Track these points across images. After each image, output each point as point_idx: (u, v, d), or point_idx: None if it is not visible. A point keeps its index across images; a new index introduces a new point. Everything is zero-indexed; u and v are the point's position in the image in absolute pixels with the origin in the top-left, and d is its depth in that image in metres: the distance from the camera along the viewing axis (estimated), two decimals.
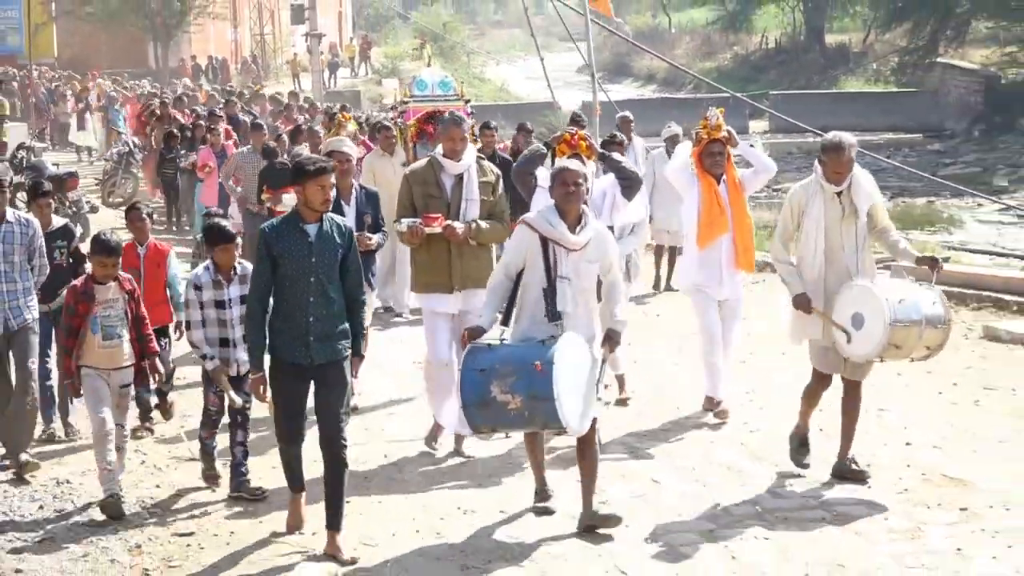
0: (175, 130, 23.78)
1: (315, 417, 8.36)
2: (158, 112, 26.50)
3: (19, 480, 9.84)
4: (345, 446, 8.34)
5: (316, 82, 45.38)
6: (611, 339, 8.67)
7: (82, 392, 9.42)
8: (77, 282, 9.45)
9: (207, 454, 9.86)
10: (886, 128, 45.71)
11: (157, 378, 10.15)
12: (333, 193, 8.38)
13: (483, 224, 10.02)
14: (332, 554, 8.28)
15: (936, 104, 47.72)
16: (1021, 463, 9.74)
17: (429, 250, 9.97)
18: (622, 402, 11.75)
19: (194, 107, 28.60)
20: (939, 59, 51.62)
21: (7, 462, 10.16)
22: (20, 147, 24.21)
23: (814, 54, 63.66)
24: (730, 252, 11.16)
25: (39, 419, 10.65)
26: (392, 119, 17.87)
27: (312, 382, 8.34)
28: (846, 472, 9.52)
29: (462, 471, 10.16)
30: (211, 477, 9.81)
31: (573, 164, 8.81)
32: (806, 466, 9.73)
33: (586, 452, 8.65)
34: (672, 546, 8.43)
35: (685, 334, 12.82)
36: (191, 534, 8.83)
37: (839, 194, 9.26)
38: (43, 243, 10.28)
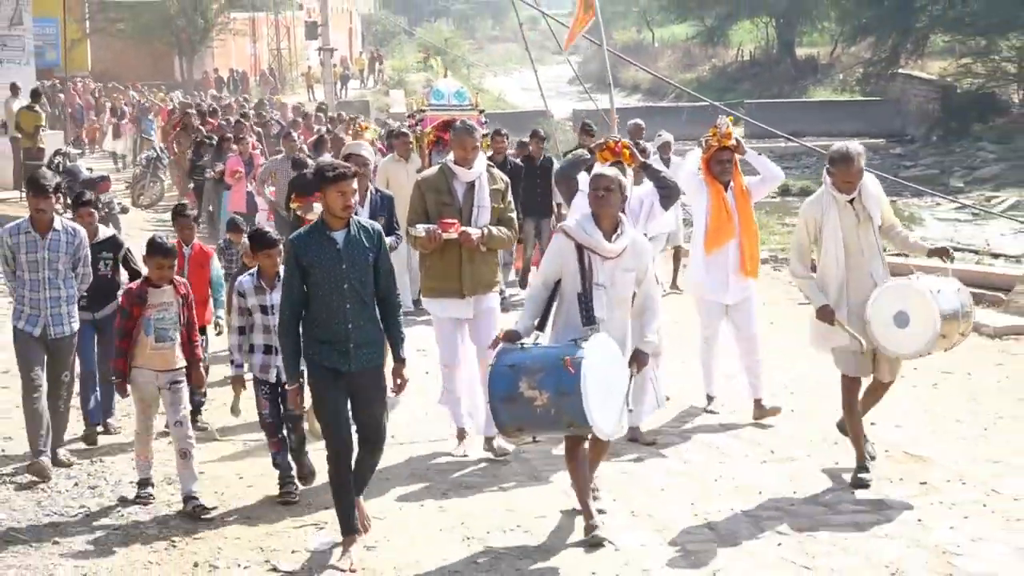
0: (204, 138, 23.33)
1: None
2: (185, 122, 26.37)
3: (82, 556, 8.34)
4: (382, 443, 7.99)
5: (328, 93, 45.33)
6: (638, 360, 8.12)
7: (130, 392, 8.94)
8: (133, 285, 9.00)
9: (281, 471, 9.03)
10: (852, 134, 45.47)
11: (198, 385, 9.53)
12: (356, 199, 7.84)
13: (494, 230, 9.52)
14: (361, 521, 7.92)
15: (897, 112, 47.73)
16: (975, 441, 9.81)
17: (441, 256, 9.43)
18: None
19: (227, 117, 28.03)
20: (900, 70, 51.62)
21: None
22: (56, 153, 24.06)
23: (785, 66, 63.70)
24: (737, 258, 10.55)
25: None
26: (409, 126, 17.21)
27: (350, 389, 7.74)
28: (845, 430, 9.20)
29: (483, 474, 9.54)
30: (285, 495, 8.94)
31: (606, 170, 8.22)
32: (867, 484, 8.86)
33: (597, 444, 8.13)
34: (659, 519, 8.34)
35: (688, 336, 12.04)
36: (214, 508, 8.72)
37: (851, 201, 8.73)
38: (88, 252, 9.70)
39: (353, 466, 7.82)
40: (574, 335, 7.71)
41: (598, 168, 8.46)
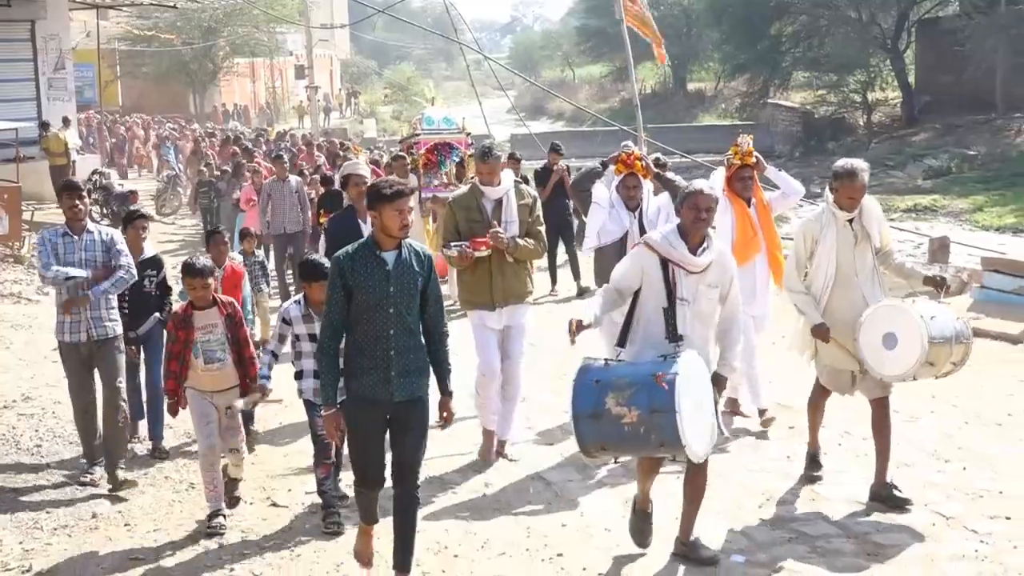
0: (207, 165, 22.45)
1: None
2: (195, 148, 26.02)
3: (116, 499, 7.87)
4: (419, 484, 6.22)
5: (314, 122, 45.15)
6: (719, 383, 6.49)
7: (187, 408, 7.49)
8: (179, 308, 7.62)
9: (325, 500, 7.38)
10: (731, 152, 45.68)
11: (261, 398, 7.90)
12: (412, 218, 6.09)
13: (520, 241, 8.24)
14: None
15: (768, 133, 47.81)
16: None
17: (473, 271, 8.26)
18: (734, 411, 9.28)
19: (241, 144, 25.87)
20: (769, 100, 51.83)
21: (88, 477, 8.22)
22: (94, 172, 23.97)
23: (679, 97, 64.05)
24: (764, 271, 8.91)
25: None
26: (404, 150, 16.18)
27: (389, 419, 6.10)
28: (886, 497, 7.32)
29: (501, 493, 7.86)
30: (332, 524, 7.24)
31: (707, 188, 6.46)
32: (819, 479, 7.78)
33: (696, 478, 6.49)
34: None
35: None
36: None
37: (850, 221, 7.27)
38: (124, 249, 8.18)
39: (393, 529, 6.25)
40: (657, 351, 6.17)
41: (700, 184, 6.57)
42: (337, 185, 12.16)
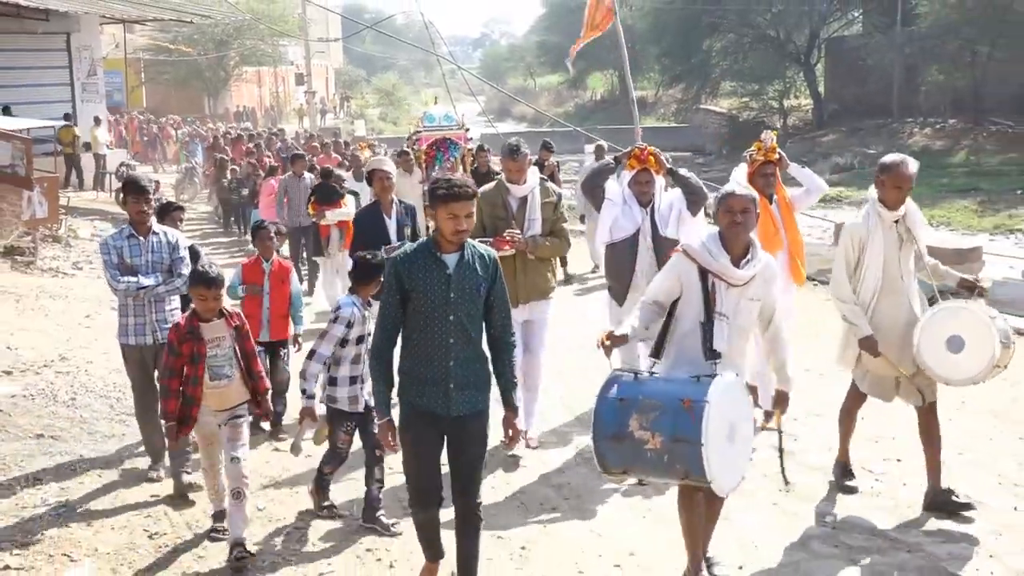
0: (224, 158, 21.39)
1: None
2: (218, 145, 25.41)
3: (183, 501, 6.76)
4: (480, 502, 5.03)
5: (312, 122, 44.77)
6: (782, 401, 5.26)
7: (195, 433, 6.04)
8: (180, 320, 5.99)
9: (322, 488, 6.44)
10: (670, 149, 45.57)
11: (268, 418, 6.79)
12: (472, 222, 4.83)
13: (540, 239, 7.23)
14: None
15: (700, 134, 47.83)
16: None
17: None
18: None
19: (253, 142, 24.55)
20: (701, 106, 51.89)
21: (154, 474, 7.13)
22: (121, 164, 23.75)
23: (625, 103, 63.98)
24: (786, 268, 7.52)
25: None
26: (408, 145, 15.15)
27: (447, 434, 4.96)
28: (946, 504, 6.16)
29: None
30: (324, 508, 6.45)
31: (740, 188, 5.18)
32: (854, 490, 6.55)
33: (714, 502, 5.21)
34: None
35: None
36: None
37: (896, 222, 6.01)
38: (186, 257, 7.04)
39: (456, 553, 5.08)
40: (692, 369, 4.89)
41: (732, 186, 5.23)
42: (364, 179, 10.82)
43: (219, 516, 6.22)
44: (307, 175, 14.15)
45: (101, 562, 5.85)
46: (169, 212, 7.93)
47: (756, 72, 45.75)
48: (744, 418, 4.87)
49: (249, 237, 11.77)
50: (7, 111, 21.50)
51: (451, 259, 4.77)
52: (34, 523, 6.36)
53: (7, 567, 5.75)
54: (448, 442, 4.96)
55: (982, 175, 29.22)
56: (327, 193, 12.37)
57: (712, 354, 4.95)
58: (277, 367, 8.10)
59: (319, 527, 6.35)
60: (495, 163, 14.02)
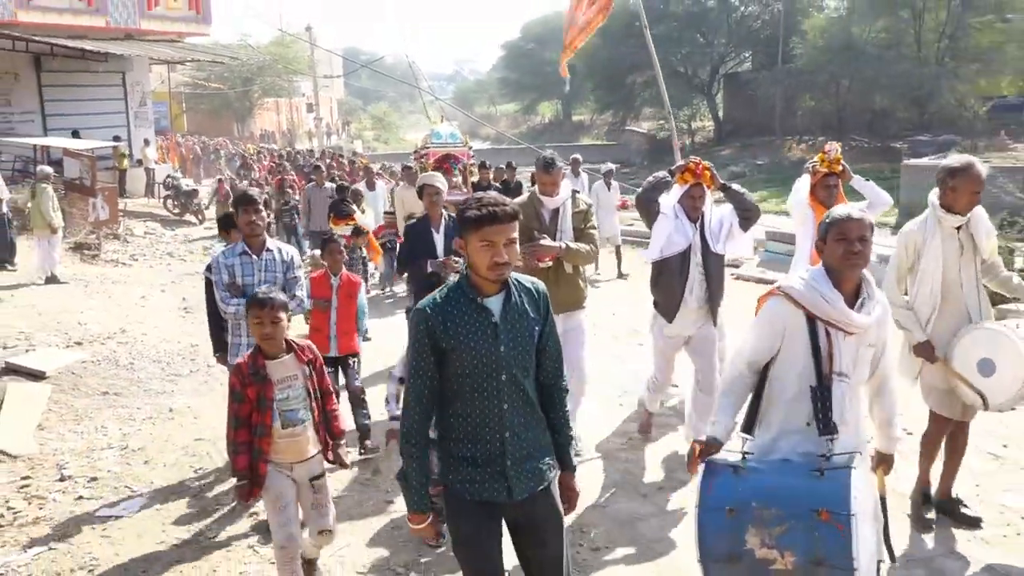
0: (289, 188, 16.85)
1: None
2: (248, 164, 24.74)
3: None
4: None
5: (319, 142, 44.33)
6: (886, 463, 3.44)
7: (262, 496, 3.97)
8: (242, 359, 3.96)
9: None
10: (603, 162, 45.70)
11: (344, 466, 4.26)
12: (515, 252, 2.88)
13: (573, 245, 5.70)
14: None
15: (626, 150, 47.78)
16: None
17: None
18: None
19: (276, 161, 23.13)
20: (627, 127, 52.08)
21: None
22: (167, 176, 23.36)
23: (568, 125, 64.11)
24: None
25: None
26: (415, 160, 13.33)
27: (510, 522, 3.01)
28: (954, 513, 4.80)
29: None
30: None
31: (858, 212, 3.17)
32: (931, 523, 4.76)
33: None
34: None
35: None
36: None
37: (958, 229, 4.46)
38: (301, 277, 5.23)
39: None
40: (801, 444, 3.16)
41: (845, 208, 3.22)
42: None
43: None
44: (327, 184, 13.13)
45: (156, 493, 5.79)
46: (243, 205, 5.25)
47: (670, 100, 45.98)
48: (871, 499, 3.21)
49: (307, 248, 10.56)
50: (76, 134, 21.61)
51: (495, 303, 2.89)
52: (102, 462, 6.28)
53: (80, 497, 5.69)
54: (514, 532, 3.03)
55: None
56: (338, 209, 11.74)
57: (828, 427, 3.12)
58: (349, 378, 6.23)
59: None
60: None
